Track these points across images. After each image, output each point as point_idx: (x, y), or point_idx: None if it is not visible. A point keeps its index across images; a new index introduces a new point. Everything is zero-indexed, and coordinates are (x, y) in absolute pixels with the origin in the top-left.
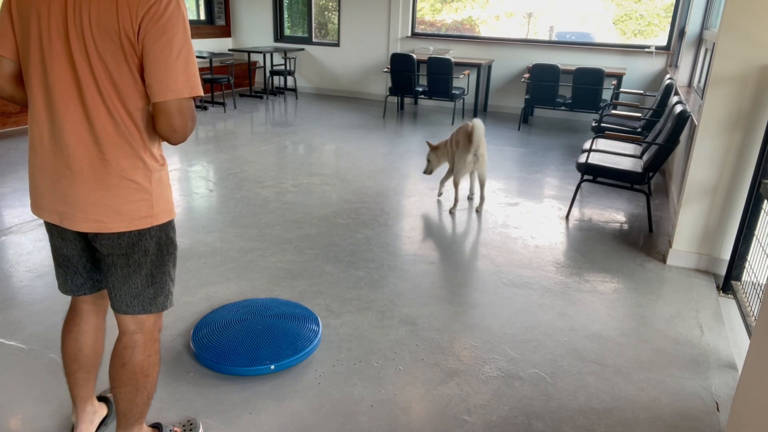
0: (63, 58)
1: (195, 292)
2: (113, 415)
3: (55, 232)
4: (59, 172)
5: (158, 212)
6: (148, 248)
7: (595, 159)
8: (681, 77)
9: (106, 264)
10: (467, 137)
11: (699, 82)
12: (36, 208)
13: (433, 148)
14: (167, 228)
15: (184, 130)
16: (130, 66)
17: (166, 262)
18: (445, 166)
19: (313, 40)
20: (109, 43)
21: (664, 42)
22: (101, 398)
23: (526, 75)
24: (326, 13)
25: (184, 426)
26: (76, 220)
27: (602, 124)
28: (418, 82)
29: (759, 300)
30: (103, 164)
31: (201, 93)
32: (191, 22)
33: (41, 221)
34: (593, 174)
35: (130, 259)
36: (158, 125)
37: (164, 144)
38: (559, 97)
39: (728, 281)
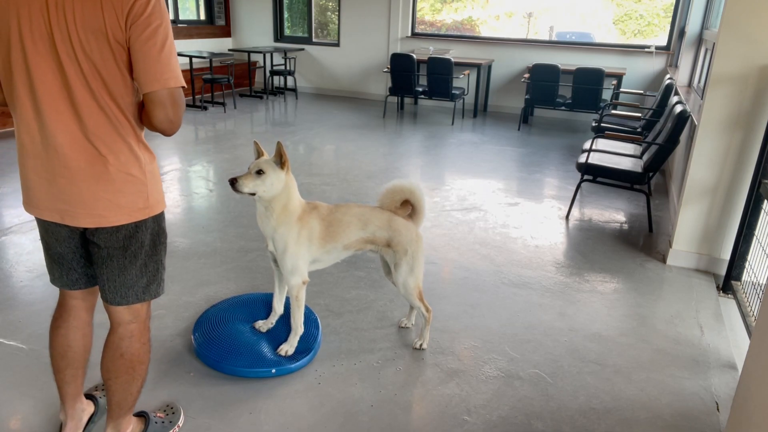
0: (49, 59)
1: (195, 292)
2: (100, 412)
3: (49, 230)
4: (56, 172)
5: (153, 203)
6: (144, 240)
7: (595, 159)
8: (681, 77)
9: (101, 257)
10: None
11: (699, 82)
12: (31, 207)
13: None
14: (160, 219)
15: (179, 120)
16: (117, 62)
17: (159, 252)
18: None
19: (313, 40)
20: (96, 42)
21: (664, 42)
22: (88, 396)
23: (526, 75)
24: (326, 13)
25: (165, 411)
26: (78, 217)
27: (602, 124)
28: (418, 82)
29: (759, 300)
30: (101, 160)
31: (184, 84)
32: (191, 22)
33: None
34: (593, 174)
35: (126, 252)
36: (155, 118)
37: (164, 143)
38: (559, 97)
39: (728, 281)
